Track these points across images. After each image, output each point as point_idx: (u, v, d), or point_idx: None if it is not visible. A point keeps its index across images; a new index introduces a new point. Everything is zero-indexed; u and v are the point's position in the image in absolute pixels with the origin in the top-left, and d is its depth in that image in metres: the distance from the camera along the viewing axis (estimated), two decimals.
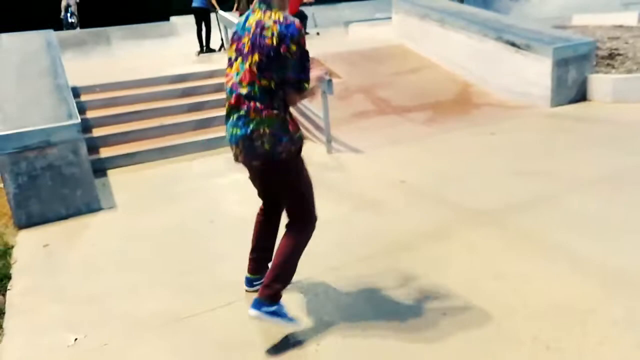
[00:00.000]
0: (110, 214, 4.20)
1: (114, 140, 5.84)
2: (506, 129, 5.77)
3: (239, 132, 2.24)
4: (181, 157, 5.66)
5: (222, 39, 10.28)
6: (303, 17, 11.54)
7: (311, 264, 2.71)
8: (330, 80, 5.36)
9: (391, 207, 3.83)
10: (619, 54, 7.91)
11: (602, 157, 4.54)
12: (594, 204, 3.55)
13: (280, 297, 2.30)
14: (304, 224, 2.35)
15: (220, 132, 6.05)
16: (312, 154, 5.44)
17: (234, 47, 2.29)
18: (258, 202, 2.63)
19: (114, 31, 12.62)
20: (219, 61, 8.20)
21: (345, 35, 11.86)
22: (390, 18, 9.96)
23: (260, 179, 2.46)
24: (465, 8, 9.23)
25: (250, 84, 2.19)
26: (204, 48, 10.35)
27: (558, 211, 3.47)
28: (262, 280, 2.46)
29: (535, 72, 6.65)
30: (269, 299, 2.26)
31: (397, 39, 9.10)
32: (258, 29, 2.18)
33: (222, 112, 6.77)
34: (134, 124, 6.16)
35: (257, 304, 2.25)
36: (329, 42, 10.64)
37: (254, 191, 2.60)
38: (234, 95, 2.25)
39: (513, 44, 6.94)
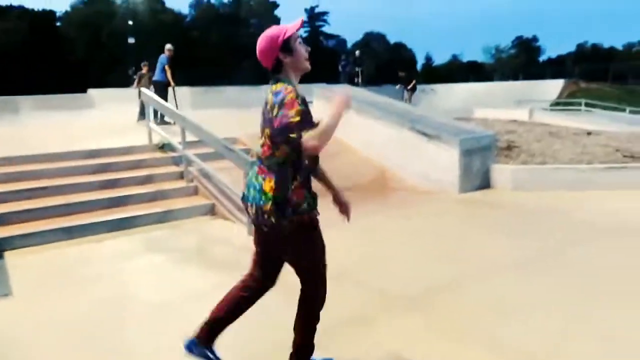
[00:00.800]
0: (5, 302, 3.83)
1: (13, 218, 5.45)
2: (421, 213, 6.16)
3: (253, 195, 2.34)
4: (90, 238, 5.37)
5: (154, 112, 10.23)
6: None
7: (227, 353, 2.64)
8: (253, 162, 5.48)
9: None
10: (515, 146, 8.91)
11: (509, 242, 4.97)
12: (507, 287, 3.84)
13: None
14: (316, 289, 2.48)
15: (136, 210, 5.88)
16: (231, 235, 5.43)
17: (261, 122, 2.40)
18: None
19: (24, 100, 12.12)
20: (139, 135, 8.10)
21: None
22: (311, 102, 10.52)
23: (268, 253, 2.52)
24: (381, 98, 10.03)
25: (268, 156, 2.33)
26: (158, 119, 10.29)
27: (474, 295, 3.71)
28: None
29: (445, 161, 7.27)
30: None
31: None
32: (264, 104, 2.33)
33: (138, 190, 6.60)
34: (37, 201, 5.81)
35: None
36: (252, 122, 10.93)
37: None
38: (258, 165, 2.38)
39: (425, 134, 7.60)
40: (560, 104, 19.10)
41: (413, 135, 7.78)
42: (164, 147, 7.56)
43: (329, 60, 42.42)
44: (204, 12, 57.62)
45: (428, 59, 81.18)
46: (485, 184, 7.39)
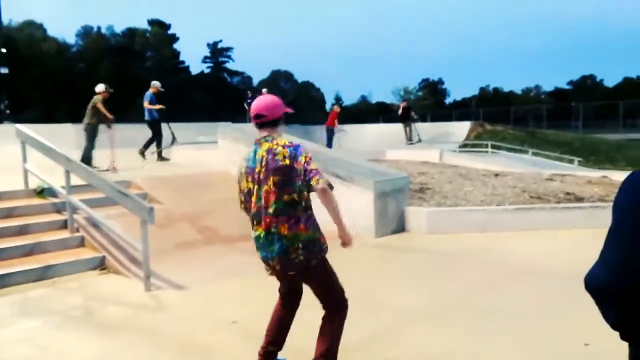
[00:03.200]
0: None
1: None
2: (339, 260, 6.19)
3: (274, 248, 2.87)
4: None
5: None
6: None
7: None
8: (152, 209, 5.26)
9: (224, 354, 3.71)
10: (428, 188, 9.38)
11: (427, 289, 5.13)
12: (424, 338, 3.94)
13: None
14: (339, 309, 3.05)
15: (9, 267, 5.34)
16: (127, 292, 5.11)
17: (249, 178, 2.95)
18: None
19: None
20: (15, 178, 7.45)
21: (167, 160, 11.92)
22: (215, 142, 10.42)
23: (294, 283, 3.15)
24: (290, 138, 10.16)
25: (275, 202, 2.84)
26: (158, 155, 11.66)
27: (391, 348, 3.75)
28: None
29: (360, 204, 7.45)
30: None
31: (224, 165, 9.47)
32: (270, 156, 2.88)
33: (10, 242, 6.05)
34: None
35: None
36: (152, 165, 10.61)
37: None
38: (262, 218, 2.89)
39: (338, 176, 7.78)
40: (468, 145, 20.56)
41: (326, 177, 7.91)
42: (43, 192, 7.02)
43: (234, 97, 42.65)
44: (94, 42, 55.70)
45: (338, 99, 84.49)
46: (400, 227, 7.65)
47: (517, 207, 7.67)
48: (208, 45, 66.72)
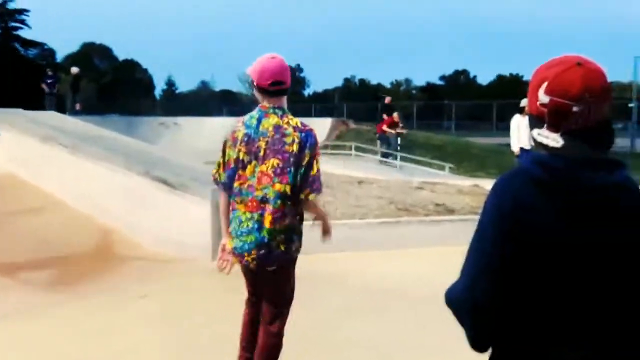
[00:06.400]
0: None
1: None
2: (161, 293, 5.98)
3: (252, 239, 3.08)
4: None
5: None
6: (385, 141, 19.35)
7: None
8: None
9: None
10: None
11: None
12: None
13: None
14: (283, 325, 3.37)
15: None
16: None
17: (245, 149, 3.13)
18: None
19: None
20: None
21: None
22: None
23: (268, 282, 3.36)
24: (107, 133, 9.67)
25: (265, 187, 3.06)
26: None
27: None
28: None
29: (194, 218, 7.27)
30: None
31: (4, 166, 8.71)
32: (278, 135, 3.09)
33: None
34: None
35: None
36: None
37: None
38: (249, 198, 3.10)
39: (165, 182, 7.52)
40: (329, 147, 21.26)
41: (150, 183, 7.63)
42: None
43: (30, 75, 39.53)
44: None
45: (170, 83, 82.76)
46: None
47: (383, 220, 8.06)
48: None
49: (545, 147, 1.49)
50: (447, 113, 44.52)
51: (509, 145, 12.38)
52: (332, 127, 23.72)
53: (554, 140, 1.47)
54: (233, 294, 6.06)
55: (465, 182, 13.17)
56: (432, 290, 5.83)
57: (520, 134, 10.92)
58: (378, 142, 20.52)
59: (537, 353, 1.49)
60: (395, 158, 19.13)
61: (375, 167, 16.63)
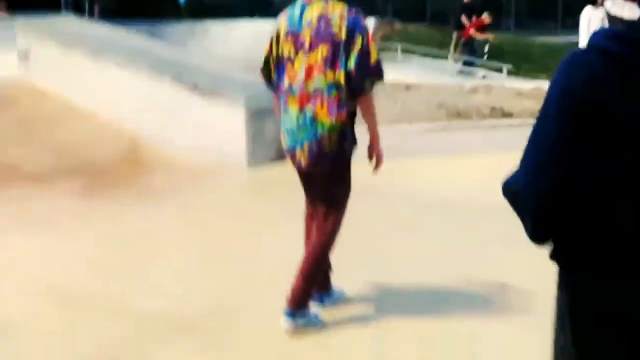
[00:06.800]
0: None
1: None
2: (195, 203, 6.17)
3: (305, 136, 3.18)
4: None
5: None
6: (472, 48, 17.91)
7: None
8: None
9: (38, 328, 3.68)
10: None
11: None
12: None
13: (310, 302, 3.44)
14: (337, 224, 3.42)
15: None
16: None
17: (291, 43, 3.20)
18: None
19: None
20: None
21: None
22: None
23: (321, 182, 3.46)
24: (132, 38, 9.73)
25: (317, 79, 3.13)
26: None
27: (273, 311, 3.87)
28: (331, 293, 3.73)
29: (228, 125, 7.37)
30: (303, 307, 3.37)
31: (25, 75, 8.91)
32: (322, 23, 3.13)
33: None
34: None
35: (291, 315, 3.30)
36: None
37: None
38: (299, 94, 3.17)
39: (197, 88, 7.59)
40: None
41: (180, 91, 7.72)
42: None
43: None
44: None
45: None
46: (281, 153, 7.63)
47: (433, 126, 8.06)
48: None
49: (621, 20, 1.41)
50: (505, 10, 42.87)
51: (576, 44, 11.91)
52: (376, 29, 23.16)
53: (630, 9, 1.38)
54: (266, 201, 6.25)
55: (526, 84, 12.93)
56: (482, 199, 5.90)
57: (591, 30, 10.50)
58: (451, 49, 19.20)
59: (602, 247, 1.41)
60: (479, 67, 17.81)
61: (423, 71, 16.38)
